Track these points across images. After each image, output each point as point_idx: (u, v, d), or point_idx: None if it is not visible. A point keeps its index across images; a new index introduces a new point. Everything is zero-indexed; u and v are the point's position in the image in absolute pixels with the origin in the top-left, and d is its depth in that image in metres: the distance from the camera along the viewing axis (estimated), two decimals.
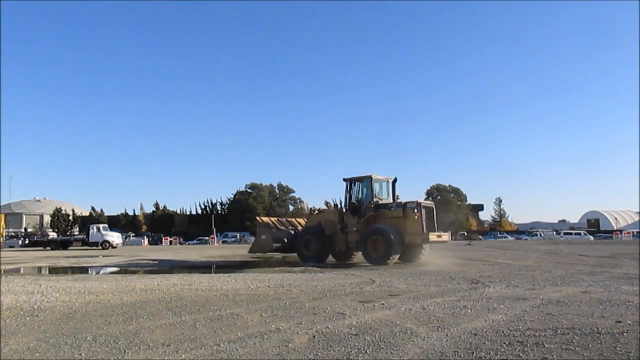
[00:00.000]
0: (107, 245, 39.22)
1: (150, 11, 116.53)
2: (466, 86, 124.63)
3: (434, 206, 16.88)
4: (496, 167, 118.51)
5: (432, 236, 15.73)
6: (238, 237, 58.75)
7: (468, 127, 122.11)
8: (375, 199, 16.73)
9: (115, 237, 41.20)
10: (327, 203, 69.35)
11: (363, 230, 16.37)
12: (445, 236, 17.26)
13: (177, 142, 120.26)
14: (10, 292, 9.10)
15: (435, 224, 16.34)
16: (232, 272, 14.08)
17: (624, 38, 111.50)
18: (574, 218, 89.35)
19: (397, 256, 15.66)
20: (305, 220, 20.02)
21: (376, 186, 17.05)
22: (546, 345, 4.48)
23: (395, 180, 17.41)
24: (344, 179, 17.70)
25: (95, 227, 41.44)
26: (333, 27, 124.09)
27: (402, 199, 16.89)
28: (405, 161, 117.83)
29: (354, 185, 17.47)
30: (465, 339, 4.79)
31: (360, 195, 17.26)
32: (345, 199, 17.75)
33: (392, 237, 15.32)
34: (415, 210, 15.64)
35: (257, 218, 21.37)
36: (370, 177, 16.94)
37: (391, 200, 17.10)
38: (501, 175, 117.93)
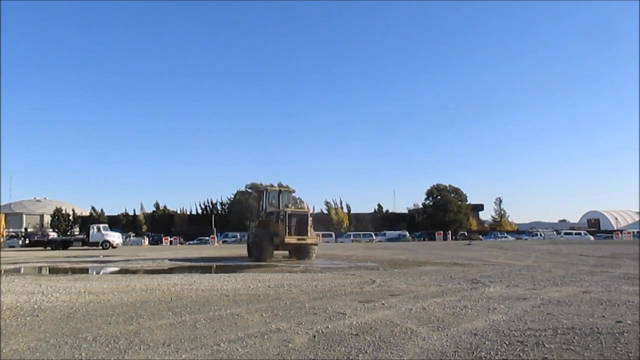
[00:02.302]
0: (107, 245, 39.21)
1: (151, 11, 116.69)
2: (466, 86, 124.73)
3: (306, 214, 19.43)
4: (496, 167, 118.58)
5: (291, 239, 18.44)
6: (238, 237, 58.61)
7: (468, 127, 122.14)
8: (271, 208, 19.99)
9: (115, 237, 41.17)
10: (327, 203, 69.49)
11: (252, 233, 20.28)
12: (311, 239, 19.39)
13: (177, 142, 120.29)
14: (10, 292, 9.10)
15: (308, 228, 18.90)
16: (232, 272, 14.08)
17: (624, 38, 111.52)
18: (574, 218, 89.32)
19: (267, 255, 18.78)
20: None
21: (272, 196, 20.63)
22: (546, 345, 4.48)
23: (279, 192, 20.83)
24: (256, 191, 22.24)
25: (95, 227, 41.41)
26: (333, 27, 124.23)
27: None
28: (406, 161, 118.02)
29: (262, 195, 21.22)
30: (465, 339, 4.79)
31: (262, 204, 20.82)
32: (257, 207, 21.72)
33: (262, 239, 18.92)
34: (280, 218, 18.59)
35: None
36: (265, 189, 20.99)
37: (278, 209, 19.88)
38: (501, 175, 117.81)
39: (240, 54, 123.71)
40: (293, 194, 21.51)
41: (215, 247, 43.03)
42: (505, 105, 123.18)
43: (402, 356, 4.20)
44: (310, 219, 19.24)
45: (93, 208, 71.11)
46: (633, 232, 58.73)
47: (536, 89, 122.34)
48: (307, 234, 18.78)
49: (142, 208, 73.80)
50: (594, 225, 79.07)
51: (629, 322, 5.53)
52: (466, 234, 63.31)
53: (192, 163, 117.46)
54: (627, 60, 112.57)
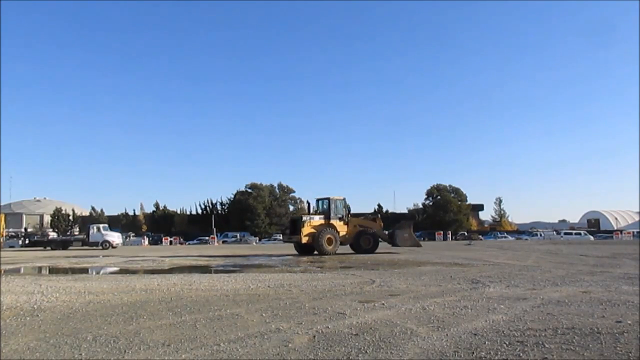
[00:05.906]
0: (107, 245, 39.21)
1: (150, 11, 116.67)
2: (466, 86, 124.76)
3: (299, 218, 23.68)
4: (496, 167, 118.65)
5: (285, 237, 24.89)
6: (238, 237, 58.67)
7: (468, 127, 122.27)
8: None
9: (115, 237, 41.18)
10: None
11: None
12: (296, 238, 22.98)
13: (177, 142, 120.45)
14: (10, 292, 9.10)
15: (302, 230, 22.46)
16: (232, 272, 14.08)
17: (624, 38, 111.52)
18: (574, 218, 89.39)
19: (297, 250, 23.91)
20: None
21: (321, 204, 24.55)
22: (546, 345, 4.48)
23: (327, 201, 24.30)
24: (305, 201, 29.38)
25: (95, 227, 41.39)
26: (332, 27, 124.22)
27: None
28: (406, 161, 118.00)
29: (309, 205, 26.35)
30: (465, 339, 4.79)
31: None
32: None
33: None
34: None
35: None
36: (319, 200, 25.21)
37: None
38: (501, 175, 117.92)
39: (239, 54, 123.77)
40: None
41: (215, 247, 43.01)
42: (505, 105, 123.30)
43: (402, 356, 4.20)
44: (306, 220, 22.69)
45: (93, 208, 71.18)
46: (633, 232, 58.74)
47: (536, 89, 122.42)
48: (299, 234, 22.45)
49: (142, 208, 73.93)
50: (594, 225, 79.07)
51: (629, 322, 5.53)
52: (466, 234, 63.30)
53: (192, 163, 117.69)
54: (627, 60, 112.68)
